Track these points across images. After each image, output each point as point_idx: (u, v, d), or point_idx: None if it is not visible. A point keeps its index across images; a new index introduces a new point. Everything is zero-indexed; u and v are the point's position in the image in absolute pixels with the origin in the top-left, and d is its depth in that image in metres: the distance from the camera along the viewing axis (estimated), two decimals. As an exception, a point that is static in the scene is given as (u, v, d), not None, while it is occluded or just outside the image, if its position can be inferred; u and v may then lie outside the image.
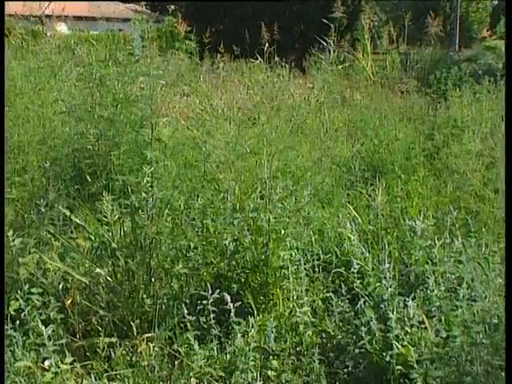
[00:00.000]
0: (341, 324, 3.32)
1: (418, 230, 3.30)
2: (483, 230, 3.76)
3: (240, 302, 3.23)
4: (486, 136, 4.93)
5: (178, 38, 11.26)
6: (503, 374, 1.89)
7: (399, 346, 2.54)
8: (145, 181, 3.25)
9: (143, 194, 3.26)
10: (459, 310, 2.43)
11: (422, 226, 3.29)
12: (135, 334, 3.23)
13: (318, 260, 3.79)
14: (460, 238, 3.20)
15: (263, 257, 3.50)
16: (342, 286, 3.49)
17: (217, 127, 3.73)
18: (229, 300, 2.97)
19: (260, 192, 3.77)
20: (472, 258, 2.26)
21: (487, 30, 34.36)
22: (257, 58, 10.35)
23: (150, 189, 3.32)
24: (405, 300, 2.82)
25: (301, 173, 3.70)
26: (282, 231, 3.45)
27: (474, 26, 32.83)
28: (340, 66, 10.73)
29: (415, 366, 2.52)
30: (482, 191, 4.11)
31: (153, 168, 3.33)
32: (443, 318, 2.73)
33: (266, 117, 4.37)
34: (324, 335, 3.34)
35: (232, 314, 3.02)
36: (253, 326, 3.15)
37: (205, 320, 3.18)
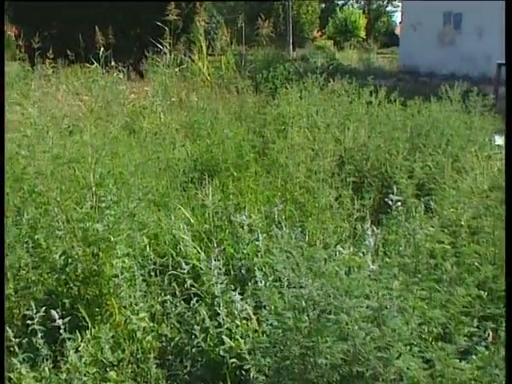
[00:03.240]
0: (179, 325, 3.32)
1: (245, 225, 3.40)
2: (309, 219, 3.97)
3: (73, 316, 3.10)
4: (305, 130, 5.21)
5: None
6: (313, 353, 2.00)
7: (228, 340, 2.60)
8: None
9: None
10: (283, 297, 2.52)
11: (249, 220, 3.39)
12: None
13: (154, 264, 3.75)
14: (286, 229, 3.34)
15: (95, 267, 3.39)
16: (180, 287, 3.49)
17: (38, 137, 3.54)
18: (56, 316, 2.83)
19: (89, 200, 3.65)
20: (282, 248, 2.37)
21: (317, 31, 36.41)
22: (92, 63, 10.07)
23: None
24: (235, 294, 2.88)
25: (130, 177, 3.63)
26: (112, 239, 3.37)
27: (305, 27, 34.59)
28: (177, 69, 10.78)
29: (247, 357, 2.58)
30: (306, 183, 4.34)
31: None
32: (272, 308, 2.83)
33: (94, 123, 4.24)
34: (164, 339, 3.32)
35: (62, 331, 2.88)
36: (89, 340, 3.06)
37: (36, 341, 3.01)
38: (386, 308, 1.99)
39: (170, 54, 11.13)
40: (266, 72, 7.70)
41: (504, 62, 8.76)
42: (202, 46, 11.89)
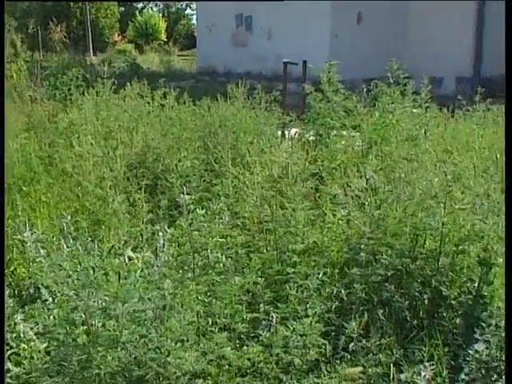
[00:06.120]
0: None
1: (30, 242, 3.22)
2: (102, 226, 3.90)
3: None
4: (94, 136, 5.12)
5: None
6: (90, 364, 1.98)
7: (10, 366, 2.46)
8: None
9: None
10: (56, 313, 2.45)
11: (34, 236, 3.22)
12: None
13: None
14: (74, 240, 3.23)
15: None
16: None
17: None
18: None
19: None
20: (55, 262, 2.31)
21: (118, 35, 35.79)
22: None
23: None
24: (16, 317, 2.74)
25: None
26: None
27: (105, 31, 33.75)
28: (-41, 80, 9.91)
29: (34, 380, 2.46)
30: (95, 190, 4.25)
31: None
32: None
33: None
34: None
35: None
36: None
37: None
38: (163, 308, 2.03)
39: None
40: (54, 79, 7.38)
41: (289, 60, 9.29)
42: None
